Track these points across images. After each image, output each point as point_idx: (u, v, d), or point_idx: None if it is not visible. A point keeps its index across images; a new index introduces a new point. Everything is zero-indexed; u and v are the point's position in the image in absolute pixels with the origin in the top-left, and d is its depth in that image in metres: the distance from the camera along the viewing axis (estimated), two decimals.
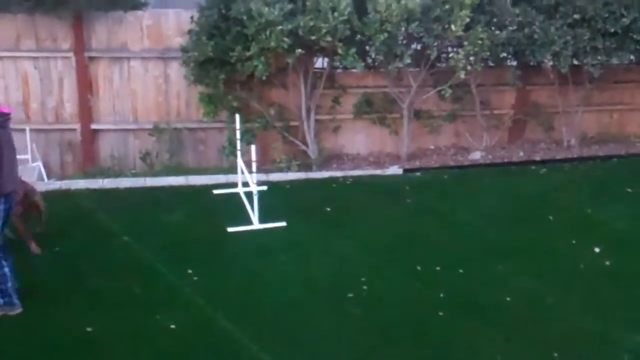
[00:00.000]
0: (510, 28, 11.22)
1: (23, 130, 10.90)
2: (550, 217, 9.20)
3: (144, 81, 11.80)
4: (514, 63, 12.08)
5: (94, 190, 10.31)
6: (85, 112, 11.67)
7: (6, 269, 6.66)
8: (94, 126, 11.75)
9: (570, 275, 7.58)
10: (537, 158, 12.05)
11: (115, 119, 11.89)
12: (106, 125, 11.83)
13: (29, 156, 10.83)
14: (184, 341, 6.27)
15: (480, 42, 10.78)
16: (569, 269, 7.71)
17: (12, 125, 6.70)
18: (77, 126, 11.73)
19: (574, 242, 8.42)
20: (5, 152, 6.43)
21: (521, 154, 12.29)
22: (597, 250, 8.14)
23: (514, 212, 9.50)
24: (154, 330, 6.43)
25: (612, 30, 11.20)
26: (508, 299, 6.99)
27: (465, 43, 10.97)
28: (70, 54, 11.48)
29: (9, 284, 6.66)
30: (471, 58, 11.19)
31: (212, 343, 6.24)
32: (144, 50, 11.71)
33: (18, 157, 10.65)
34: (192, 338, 6.32)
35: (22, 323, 6.55)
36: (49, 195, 9.88)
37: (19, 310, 6.71)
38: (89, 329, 6.41)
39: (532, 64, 11.86)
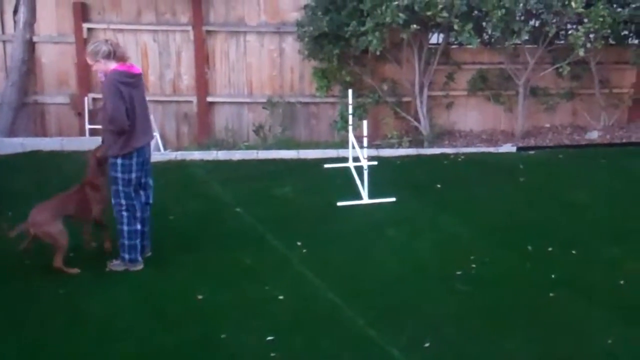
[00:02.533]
0: (633, 5, 10.78)
1: None
2: None
3: (259, 55, 11.96)
4: (636, 41, 11.67)
5: (208, 162, 10.53)
6: (202, 84, 11.92)
7: (139, 226, 6.92)
8: (209, 99, 12.00)
9: None
10: None
11: (231, 92, 12.10)
12: (221, 98, 12.07)
13: None
14: (291, 312, 6.34)
15: (601, 19, 10.39)
16: None
17: None
18: (194, 98, 12.00)
19: None
20: (138, 111, 6.67)
21: None
22: None
23: (631, 194, 9.19)
24: (262, 301, 6.52)
25: None
26: (622, 282, 6.77)
27: (586, 20, 10.62)
28: (189, 28, 11.73)
29: (138, 241, 6.95)
30: (591, 35, 10.83)
31: (319, 315, 6.29)
32: (260, 25, 11.86)
33: None
34: (299, 309, 6.39)
35: (134, 287, 6.73)
36: (165, 165, 10.17)
37: (140, 267, 7.00)
38: (199, 297, 6.55)
39: None
